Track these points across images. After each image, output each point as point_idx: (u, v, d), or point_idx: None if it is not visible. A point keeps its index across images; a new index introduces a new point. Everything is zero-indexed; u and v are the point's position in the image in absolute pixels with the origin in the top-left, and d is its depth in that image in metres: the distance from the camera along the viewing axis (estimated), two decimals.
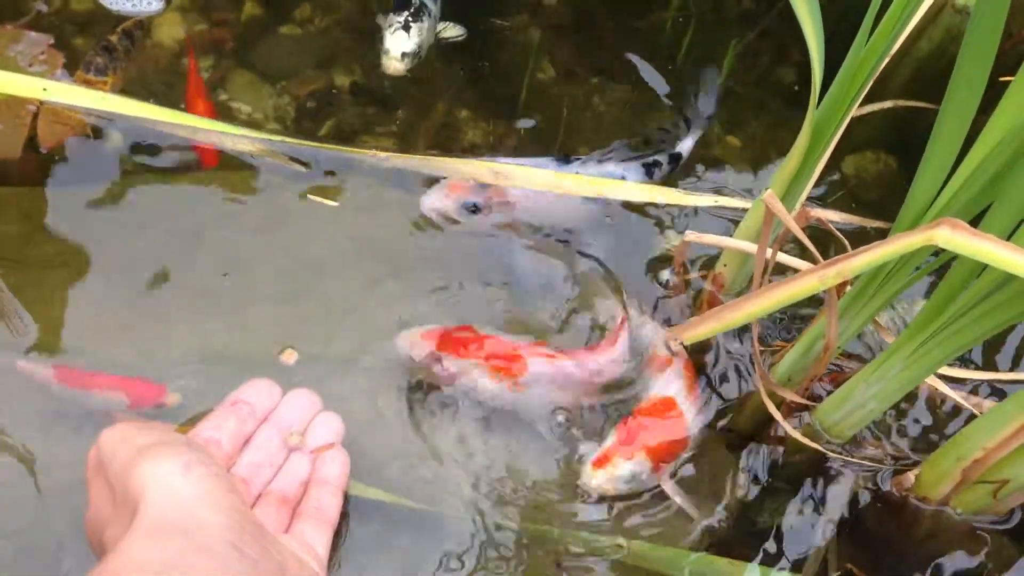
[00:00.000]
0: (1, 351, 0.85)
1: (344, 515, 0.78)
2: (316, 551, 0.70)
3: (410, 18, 1.06)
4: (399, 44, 1.05)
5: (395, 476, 0.84)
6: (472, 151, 1.07)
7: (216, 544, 0.57)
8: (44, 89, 0.87)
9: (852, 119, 0.88)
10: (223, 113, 1.06)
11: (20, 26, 1.06)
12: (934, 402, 0.95)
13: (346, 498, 0.78)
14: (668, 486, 0.86)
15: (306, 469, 0.76)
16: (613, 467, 0.84)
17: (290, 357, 0.86)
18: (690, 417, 0.87)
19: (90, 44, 1.06)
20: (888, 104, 1.11)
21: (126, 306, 0.90)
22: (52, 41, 1.03)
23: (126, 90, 1.02)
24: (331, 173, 1.02)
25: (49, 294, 0.90)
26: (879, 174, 1.12)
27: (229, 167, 1.00)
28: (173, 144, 1.01)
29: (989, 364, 0.98)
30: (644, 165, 1.02)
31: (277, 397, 0.78)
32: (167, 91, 1.06)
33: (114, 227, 0.95)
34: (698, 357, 0.94)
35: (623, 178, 1.00)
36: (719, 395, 0.93)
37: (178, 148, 1.01)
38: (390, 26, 1.06)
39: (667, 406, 0.87)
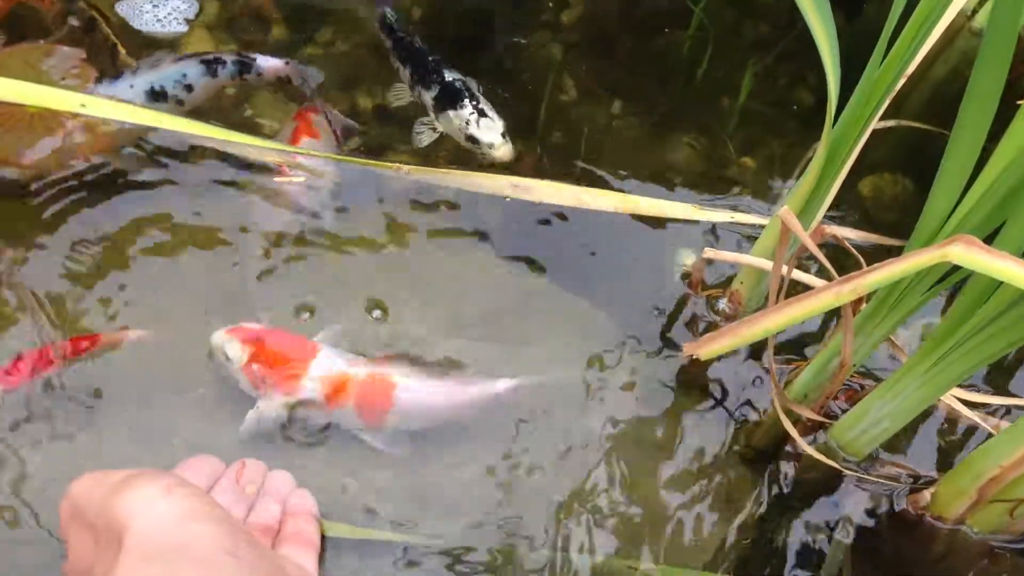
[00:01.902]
0: None
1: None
2: (305, 568, 0.71)
3: (473, 102, 1.03)
4: (492, 130, 1.01)
5: (418, 490, 0.85)
6: (493, 167, 1.08)
7: (211, 554, 0.57)
8: (82, 105, 0.88)
9: (869, 141, 0.89)
10: (248, 128, 1.07)
11: (52, 41, 1.08)
12: (950, 420, 0.95)
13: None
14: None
15: (276, 506, 0.77)
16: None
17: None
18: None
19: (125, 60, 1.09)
20: (902, 123, 1.12)
21: (155, 312, 0.92)
22: (84, 55, 1.05)
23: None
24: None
25: (75, 299, 0.91)
26: (896, 195, 1.13)
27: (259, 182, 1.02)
28: (201, 155, 1.02)
29: (1003, 384, 0.99)
30: (204, 62, 1.02)
31: (223, 468, 0.79)
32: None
33: (146, 237, 0.96)
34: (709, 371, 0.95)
35: (184, 76, 1.00)
36: (734, 412, 0.94)
37: (206, 159, 1.03)
38: (466, 122, 1.02)
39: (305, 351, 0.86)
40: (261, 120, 1.09)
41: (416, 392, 0.86)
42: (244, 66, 1.04)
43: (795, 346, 0.99)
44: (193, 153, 1.02)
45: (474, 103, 1.02)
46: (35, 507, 0.80)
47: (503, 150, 1.00)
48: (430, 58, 1.07)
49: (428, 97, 1.04)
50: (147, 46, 1.11)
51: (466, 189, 1.00)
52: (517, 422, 0.90)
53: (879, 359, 0.99)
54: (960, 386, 0.94)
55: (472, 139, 1.01)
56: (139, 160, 1.01)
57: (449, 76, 1.04)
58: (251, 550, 0.60)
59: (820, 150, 0.79)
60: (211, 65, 1.02)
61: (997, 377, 0.99)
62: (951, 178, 0.72)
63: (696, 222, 1.04)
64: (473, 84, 1.05)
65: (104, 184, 0.99)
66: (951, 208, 0.73)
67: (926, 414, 0.94)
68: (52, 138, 0.97)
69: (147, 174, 1.01)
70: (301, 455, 0.85)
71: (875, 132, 1.09)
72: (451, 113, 1.02)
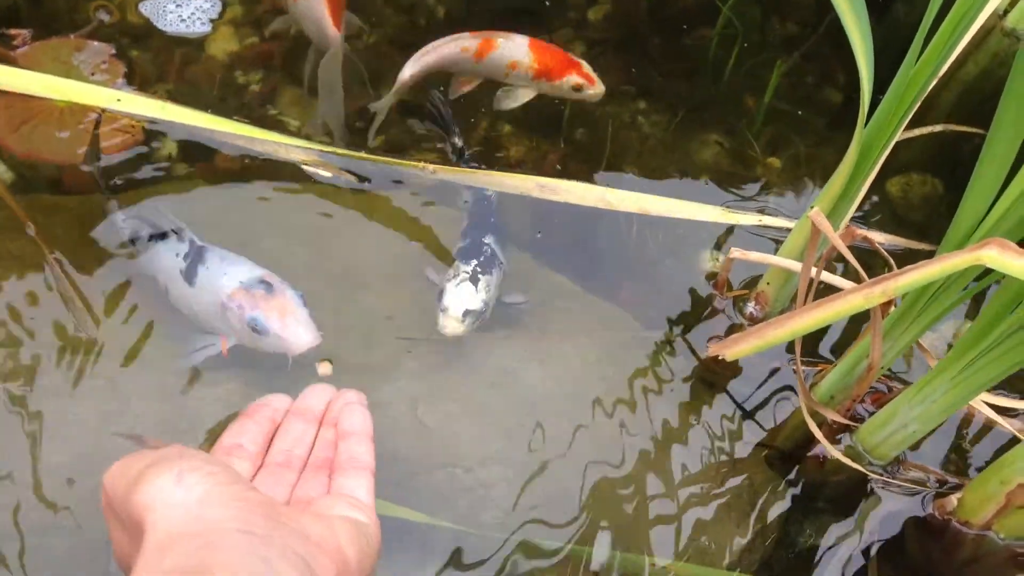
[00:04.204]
0: None
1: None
2: (358, 498, 0.70)
3: (479, 269, 0.92)
4: (463, 300, 0.89)
5: (437, 485, 0.85)
6: (516, 167, 1.08)
7: (226, 536, 0.57)
8: (118, 100, 0.89)
9: (898, 140, 0.88)
10: (273, 126, 1.07)
11: (81, 36, 1.09)
12: (977, 424, 0.94)
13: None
14: None
15: (335, 433, 0.77)
16: None
17: (325, 368, 0.87)
18: None
19: (147, 56, 1.10)
20: (937, 128, 1.11)
21: (177, 313, 0.92)
22: (114, 51, 1.06)
23: (183, 100, 1.05)
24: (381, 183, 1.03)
25: (108, 294, 0.91)
26: (924, 196, 1.12)
27: (281, 178, 1.02)
28: (226, 154, 1.03)
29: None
30: None
31: (288, 404, 0.80)
32: (220, 103, 1.08)
33: None
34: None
35: None
36: (759, 413, 0.94)
37: (230, 158, 1.03)
38: (454, 276, 0.91)
39: None
40: (285, 118, 1.09)
41: None
42: None
43: (817, 346, 0.99)
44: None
45: (478, 269, 0.91)
46: (67, 494, 0.80)
47: (450, 325, 0.88)
48: (492, 219, 0.99)
49: (458, 244, 0.96)
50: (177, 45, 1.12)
51: (492, 189, 1.00)
52: (539, 421, 0.90)
53: (904, 362, 0.99)
54: (989, 390, 0.93)
55: (440, 294, 0.90)
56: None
57: (487, 238, 0.95)
58: (267, 522, 0.60)
59: (851, 150, 0.79)
60: None
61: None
62: (986, 180, 0.71)
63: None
64: (497, 257, 0.94)
65: (134, 180, 1.00)
66: (985, 210, 0.73)
67: (954, 418, 0.93)
68: (82, 133, 0.98)
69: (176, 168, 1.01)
70: None
71: (904, 131, 1.08)
72: (457, 263, 0.92)
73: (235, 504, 0.60)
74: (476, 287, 0.90)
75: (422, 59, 1.02)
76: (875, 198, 1.11)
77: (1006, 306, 0.74)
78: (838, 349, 0.99)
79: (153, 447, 0.70)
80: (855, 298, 0.73)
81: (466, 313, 0.88)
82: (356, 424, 0.77)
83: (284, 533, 0.60)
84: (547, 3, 1.20)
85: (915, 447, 0.91)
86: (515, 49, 1.06)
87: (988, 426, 0.94)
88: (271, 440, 0.76)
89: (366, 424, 0.77)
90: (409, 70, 1.02)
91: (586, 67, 1.07)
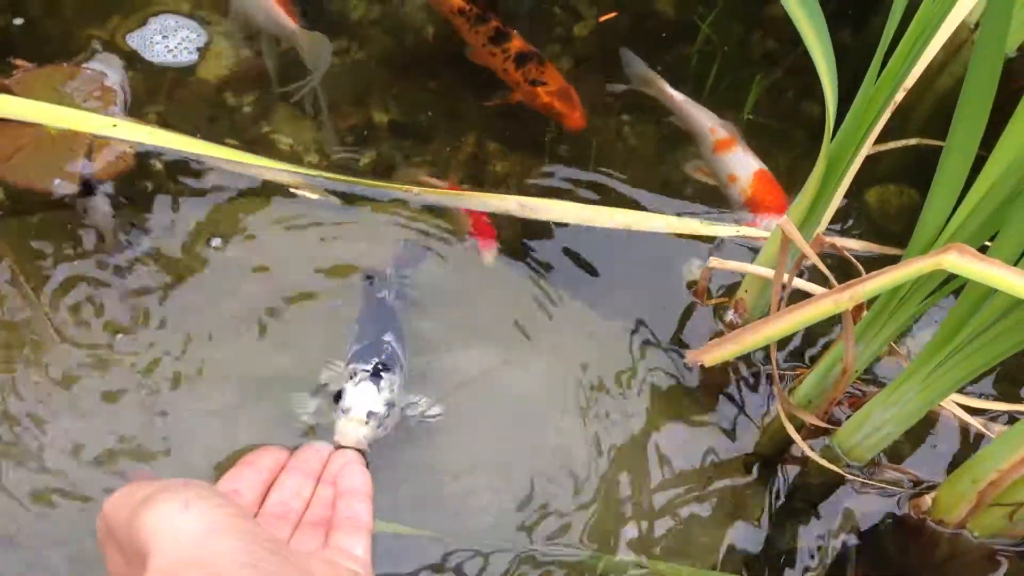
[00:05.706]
0: None
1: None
2: (355, 554, 0.70)
3: (380, 367, 0.83)
4: (365, 400, 0.81)
5: (423, 493, 0.87)
6: (503, 182, 1.10)
7: (231, 567, 0.57)
8: (114, 126, 0.90)
9: (875, 152, 0.89)
10: (265, 145, 1.09)
11: (75, 64, 1.10)
12: (953, 427, 0.96)
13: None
14: None
15: (331, 491, 0.77)
16: None
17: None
18: None
19: (137, 80, 1.12)
20: (912, 141, 1.13)
21: (164, 328, 0.94)
22: (107, 78, 1.08)
23: (173, 125, 1.07)
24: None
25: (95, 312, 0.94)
26: (901, 206, 1.14)
27: (270, 197, 1.04)
28: (214, 177, 1.04)
29: (1014, 393, 1.00)
30: None
31: (286, 457, 0.79)
32: (210, 125, 1.10)
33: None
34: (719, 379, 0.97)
35: None
36: (739, 417, 0.96)
37: (222, 181, 1.05)
38: (353, 375, 0.83)
39: None
40: (278, 136, 1.11)
41: None
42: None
43: (799, 351, 1.01)
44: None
45: (380, 367, 0.83)
46: (68, 505, 0.82)
47: (352, 429, 0.80)
48: (391, 320, 0.92)
49: (353, 347, 0.89)
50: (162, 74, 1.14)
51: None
52: (524, 427, 0.92)
53: (887, 366, 1.01)
54: (964, 393, 0.96)
55: (339, 395, 0.83)
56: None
57: (386, 336, 0.88)
58: (273, 558, 0.59)
59: (819, 163, 0.81)
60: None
61: (1007, 386, 1.00)
62: (945, 188, 0.73)
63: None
64: (399, 357, 0.87)
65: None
66: (947, 217, 0.75)
67: (930, 420, 0.95)
68: (74, 161, 0.99)
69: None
70: None
71: (879, 143, 1.10)
72: (354, 365, 0.85)
73: (241, 537, 0.59)
74: (378, 386, 0.82)
75: (683, 101, 1.14)
76: (856, 210, 1.14)
77: (969, 310, 0.76)
78: (822, 353, 1.01)
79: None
80: (825, 303, 0.76)
81: (370, 415, 0.81)
82: (356, 483, 0.76)
83: (289, 569, 0.60)
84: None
85: (893, 448, 0.93)
86: (742, 165, 1.10)
87: (964, 428, 0.96)
88: (266, 491, 0.75)
89: (366, 483, 0.77)
90: (666, 87, 1.15)
91: None
